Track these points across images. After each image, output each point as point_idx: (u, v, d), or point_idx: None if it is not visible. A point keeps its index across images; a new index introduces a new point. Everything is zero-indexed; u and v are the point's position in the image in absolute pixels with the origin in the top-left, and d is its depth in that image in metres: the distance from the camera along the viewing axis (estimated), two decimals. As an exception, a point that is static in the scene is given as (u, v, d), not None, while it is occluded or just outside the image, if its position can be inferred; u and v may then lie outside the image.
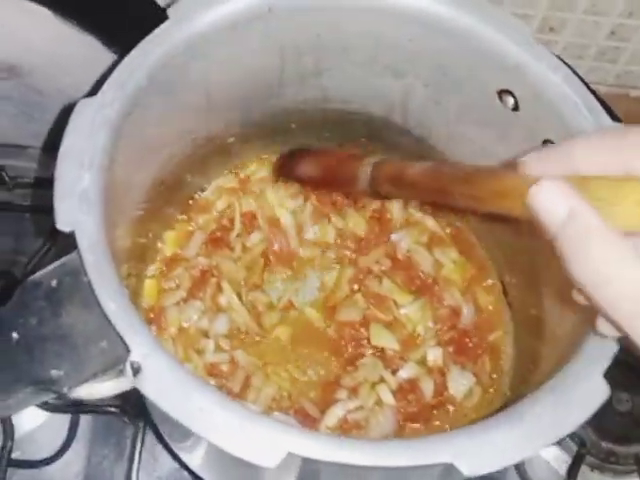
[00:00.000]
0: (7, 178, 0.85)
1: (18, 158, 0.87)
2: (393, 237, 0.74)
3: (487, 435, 0.43)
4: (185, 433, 0.54)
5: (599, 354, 0.47)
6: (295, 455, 0.42)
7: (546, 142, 0.57)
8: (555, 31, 0.79)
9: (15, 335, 0.46)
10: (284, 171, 0.70)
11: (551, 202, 0.37)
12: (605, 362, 0.47)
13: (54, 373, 0.45)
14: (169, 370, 0.44)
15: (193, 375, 0.44)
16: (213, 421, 0.42)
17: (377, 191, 0.58)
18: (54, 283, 0.47)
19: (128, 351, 0.44)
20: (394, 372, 0.68)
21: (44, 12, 0.69)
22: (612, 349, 0.47)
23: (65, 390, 0.45)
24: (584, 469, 0.76)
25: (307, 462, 0.43)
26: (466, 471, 0.42)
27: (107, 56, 0.71)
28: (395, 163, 0.57)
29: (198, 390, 0.43)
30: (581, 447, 0.76)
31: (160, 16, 0.65)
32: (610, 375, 0.47)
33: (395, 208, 0.75)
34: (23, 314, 0.46)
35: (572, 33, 0.80)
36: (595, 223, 0.36)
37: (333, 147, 0.72)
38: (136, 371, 0.43)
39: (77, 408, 0.74)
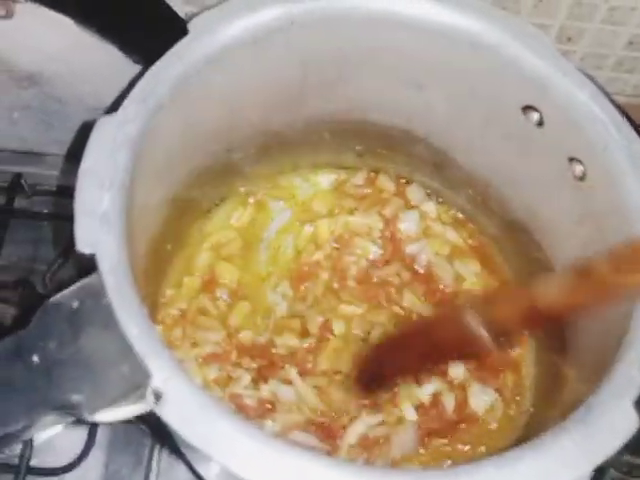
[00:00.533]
0: (26, 186, 0.85)
1: (37, 166, 0.87)
2: (412, 249, 0.73)
3: (512, 467, 0.43)
4: (204, 457, 0.54)
5: (628, 381, 0.46)
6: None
7: (572, 160, 0.56)
8: (573, 41, 0.78)
9: (35, 358, 0.45)
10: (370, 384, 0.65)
11: None
12: (635, 390, 0.46)
13: (74, 398, 0.44)
14: (191, 396, 0.43)
15: (215, 401, 0.44)
16: (235, 450, 0.42)
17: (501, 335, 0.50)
18: (75, 305, 0.46)
19: (149, 376, 0.43)
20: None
21: (64, 20, 0.69)
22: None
23: (85, 415, 0.45)
24: (607, 483, 0.75)
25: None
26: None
27: (127, 65, 0.71)
28: (509, 296, 0.51)
29: (220, 417, 0.43)
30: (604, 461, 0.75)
31: (180, 26, 0.65)
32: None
33: (410, 219, 0.74)
34: (43, 337, 0.46)
35: (590, 43, 0.79)
36: None
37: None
38: (157, 397, 0.43)
39: (95, 420, 0.74)
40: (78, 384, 0.45)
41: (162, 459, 0.74)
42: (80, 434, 0.74)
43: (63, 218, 0.84)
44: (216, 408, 0.43)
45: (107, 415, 0.45)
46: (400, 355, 0.59)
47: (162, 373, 0.43)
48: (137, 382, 0.44)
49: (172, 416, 0.43)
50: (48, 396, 0.45)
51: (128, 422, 0.74)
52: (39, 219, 0.85)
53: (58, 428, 0.75)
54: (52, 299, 0.47)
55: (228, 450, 0.42)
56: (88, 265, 0.46)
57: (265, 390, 0.65)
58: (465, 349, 0.51)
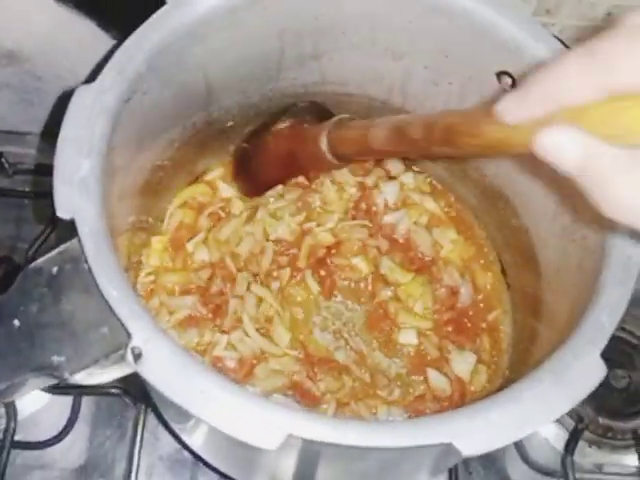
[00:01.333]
0: (7, 164, 0.85)
1: (18, 144, 0.87)
2: (390, 218, 0.74)
3: (485, 415, 0.44)
4: (186, 416, 0.54)
5: (596, 334, 0.47)
6: (295, 437, 0.43)
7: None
8: (551, 13, 0.79)
9: (16, 322, 0.46)
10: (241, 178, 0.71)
11: (561, 150, 0.37)
12: (602, 342, 0.47)
13: (55, 359, 0.45)
14: (170, 354, 0.44)
15: (194, 359, 0.45)
16: (214, 404, 0.43)
17: (340, 156, 0.58)
18: (55, 270, 0.47)
19: (129, 337, 0.44)
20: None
21: (42, -4, 0.69)
22: (609, 329, 0.47)
23: (66, 375, 0.45)
24: (582, 445, 0.77)
25: (307, 443, 0.43)
26: (465, 451, 0.43)
27: (106, 41, 0.71)
28: (353, 126, 0.57)
29: (199, 374, 0.44)
30: (579, 423, 0.77)
31: (158, 1, 0.65)
32: (607, 352, 0.47)
33: (389, 190, 0.75)
34: (24, 301, 0.47)
35: (568, 15, 0.80)
36: (609, 160, 0.36)
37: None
38: (137, 356, 0.44)
39: (79, 390, 0.75)
40: (59, 346, 0.46)
41: (146, 432, 0.75)
42: (64, 408, 0.75)
43: (44, 196, 0.84)
44: (194, 365, 0.44)
45: (88, 376, 0.46)
46: (265, 155, 0.67)
47: (142, 333, 0.44)
48: (117, 343, 0.45)
49: (152, 374, 0.44)
50: (30, 358, 0.46)
51: (112, 395, 0.75)
52: (20, 197, 0.86)
53: (42, 401, 0.75)
54: (32, 264, 0.48)
55: (206, 405, 0.43)
56: (68, 232, 0.47)
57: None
58: (313, 161, 0.61)
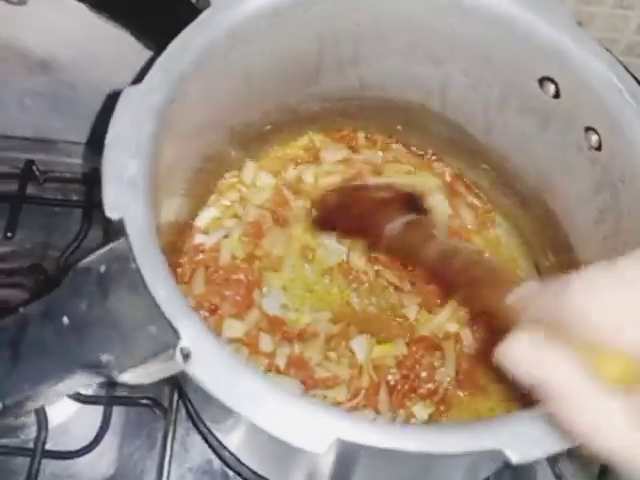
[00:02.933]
0: (37, 172, 0.85)
1: (48, 152, 0.87)
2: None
3: (536, 422, 0.43)
4: (228, 416, 0.54)
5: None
6: (343, 441, 0.42)
7: (589, 130, 0.57)
8: (584, 25, 0.79)
9: (65, 319, 0.46)
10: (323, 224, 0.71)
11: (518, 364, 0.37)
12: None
13: (104, 357, 0.45)
14: (219, 355, 0.44)
15: (242, 360, 0.45)
16: (262, 406, 0.43)
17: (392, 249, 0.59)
18: (103, 269, 0.47)
19: (177, 336, 0.44)
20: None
21: (77, 6, 0.70)
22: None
23: (114, 374, 0.45)
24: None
25: (354, 447, 0.43)
26: (515, 459, 0.42)
27: (139, 50, 0.72)
28: (419, 232, 0.57)
29: (247, 375, 0.43)
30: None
31: (192, 11, 0.66)
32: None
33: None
34: (73, 299, 0.47)
35: (601, 27, 0.80)
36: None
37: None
38: (186, 356, 0.43)
39: (110, 400, 0.74)
40: (107, 344, 0.45)
41: (175, 443, 0.75)
42: (94, 418, 0.74)
43: (75, 205, 0.85)
44: (243, 367, 0.44)
45: (136, 375, 0.46)
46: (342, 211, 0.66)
47: (190, 333, 0.44)
48: (165, 342, 0.45)
49: (201, 374, 0.43)
50: (78, 355, 0.45)
51: (142, 405, 0.75)
52: (51, 205, 0.85)
53: (72, 410, 0.75)
54: (80, 263, 0.48)
55: (253, 406, 0.43)
56: (116, 230, 0.47)
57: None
58: (371, 234, 0.60)
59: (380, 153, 0.76)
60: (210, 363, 0.43)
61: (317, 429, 0.42)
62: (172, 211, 0.60)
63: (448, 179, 0.76)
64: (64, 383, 0.45)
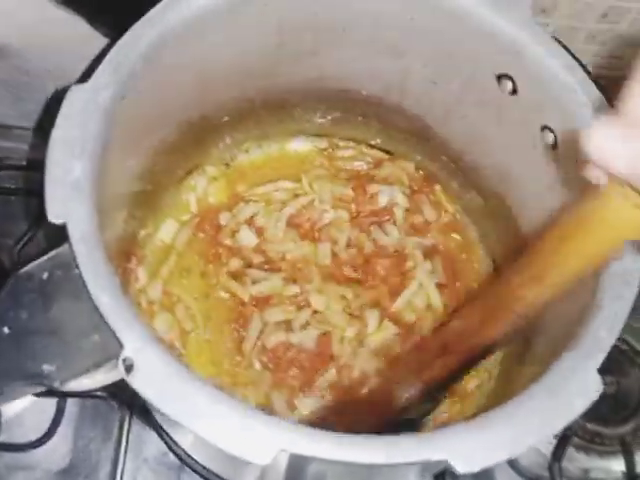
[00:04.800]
0: (-8, 159, 0.83)
1: (5, 139, 0.85)
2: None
3: (482, 432, 0.43)
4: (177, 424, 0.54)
5: (594, 349, 0.47)
6: (287, 452, 0.42)
7: (544, 128, 0.57)
8: (547, 12, 0.78)
9: (6, 329, 0.45)
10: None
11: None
12: (600, 357, 0.47)
13: (45, 368, 0.44)
14: (162, 366, 0.43)
15: (187, 370, 0.44)
16: (206, 418, 0.42)
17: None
18: (45, 276, 0.46)
19: (121, 346, 0.43)
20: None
21: (32, -8, 0.68)
22: (607, 344, 0.47)
23: (56, 384, 0.45)
24: (570, 450, 0.76)
25: (298, 457, 0.43)
26: (461, 469, 0.42)
27: (96, 37, 0.70)
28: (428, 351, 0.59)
29: (191, 386, 0.43)
30: (567, 429, 0.76)
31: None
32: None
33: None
34: (14, 308, 0.46)
35: (564, 15, 0.79)
36: None
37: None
38: (129, 368, 0.43)
39: (64, 392, 0.73)
40: (49, 354, 0.45)
41: (131, 434, 0.75)
42: (48, 410, 0.73)
43: (32, 193, 0.83)
44: (187, 377, 0.43)
45: (78, 384, 0.45)
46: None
47: (134, 343, 0.43)
48: (109, 352, 0.44)
49: (143, 386, 0.43)
50: (20, 366, 0.45)
51: (97, 397, 0.74)
52: (7, 193, 0.84)
53: (26, 402, 0.74)
54: (22, 270, 0.46)
55: (197, 418, 0.42)
56: (59, 236, 0.46)
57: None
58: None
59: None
60: (154, 374, 0.43)
61: (261, 440, 0.42)
62: (122, 213, 0.59)
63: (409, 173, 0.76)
64: (4, 393, 0.44)
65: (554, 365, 0.47)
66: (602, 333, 0.47)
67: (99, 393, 0.73)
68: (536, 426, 0.44)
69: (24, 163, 0.85)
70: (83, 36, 0.70)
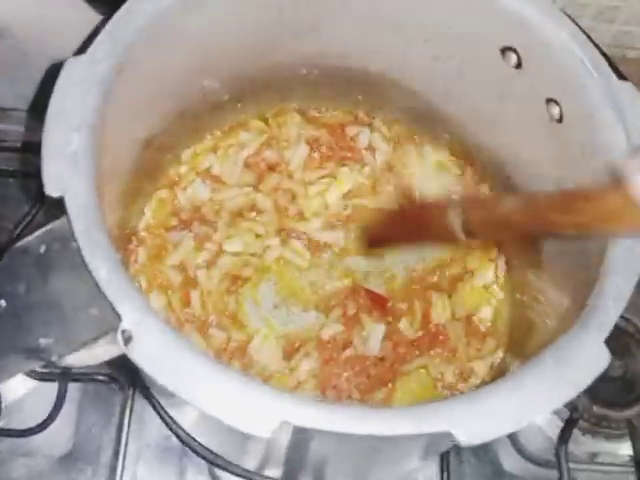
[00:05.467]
0: (-10, 142, 0.83)
1: (2, 121, 0.85)
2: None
3: (485, 403, 0.43)
4: (178, 399, 0.53)
5: (601, 320, 0.46)
6: (289, 423, 0.41)
7: (549, 101, 0.56)
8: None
9: (3, 303, 0.45)
10: (372, 241, 0.70)
11: None
12: (607, 328, 0.46)
13: (43, 341, 0.44)
14: (161, 337, 0.43)
15: (186, 341, 0.43)
16: (206, 390, 0.42)
17: (471, 235, 0.56)
18: (42, 249, 0.45)
19: (119, 319, 0.42)
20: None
21: (30, -27, 0.68)
22: (614, 315, 0.46)
23: (54, 358, 0.44)
24: (576, 433, 0.76)
25: (300, 430, 0.42)
26: (464, 440, 0.42)
27: (94, 18, 0.69)
28: (485, 204, 0.57)
29: (191, 357, 0.42)
30: (573, 412, 0.76)
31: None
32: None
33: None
34: (10, 281, 0.45)
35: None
36: None
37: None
38: (127, 339, 0.42)
39: (65, 376, 0.73)
40: (47, 328, 0.44)
41: (133, 418, 0.74)
42: (49, 395, 0.73)
43: (30, 175, 0.83)
44: (186, 348, 0.43)
45: (77, 358, 0.45)
46: (394, 226, 0.66)
47: (132, 315, 0.43)
48: (107, 325, 0.43)
49: (142, 357, 0.42)
50: (17, 339, 0.44)
51: (98, 381, 0.74)
52: (5, 176, 0.83)
53: (27, 387, 0.74)
54: (18, 244, 0.46)
55: (197, 390, 0.42)
56: (57, 211, 0.45)
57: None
58: (442, 234, 0.58)
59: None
60: (152, 346, 0.42)
61: (262, 413, 0.41)
62: (119, 188, 0.58)
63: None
64: (3, 368, 0.44)
65: (560, 337, 0.46)
66: (608, 304, 0.46)
67: (100, 377, 0.73)
68: (543, 397, 0.43)
69: (20, 145, 0.84)
70: (83, 18, 0.69)
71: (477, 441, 0.42)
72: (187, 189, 0.71)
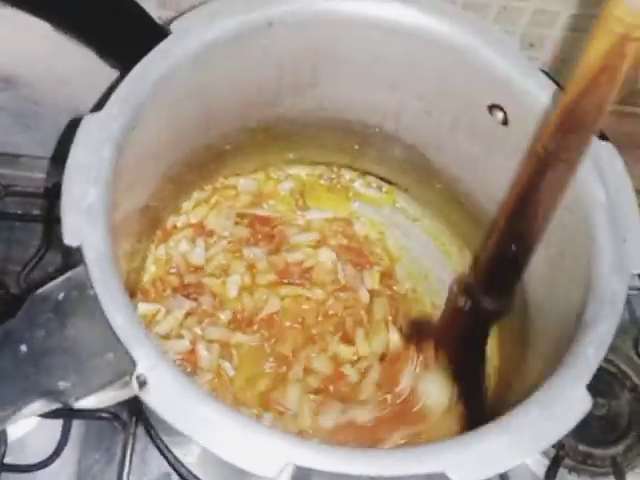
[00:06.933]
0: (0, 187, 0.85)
1: (11, 167, 0.88)
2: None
3: (477, 445, 0.45)
4: (183, 439, 0.55)
5: (582, 368, 0.49)
6: (293, 464, 0.44)
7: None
8: (535, 47, 0.81)
9: (23, 348, 0.47)
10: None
11: None
12: (588, 376, 0.49)
13: (61, 384, 0.46)
14: (174, 382, 0.45)
15: (197, 387, 0.46)
16: (216, 432, 0.44)
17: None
18: (61, 296, 0.48)
19: (134, 364, 0.45)
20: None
21: (42, 24, 0.70)
22: (595, 363, 0.49)
23: (72, 401, 0.46)
24: (562, 471, 0.78)
25: (303, 470, 0.44)
26: (458, 480, 0.44)
27: (104, 69, 0.72)
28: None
29: (202, 402, 0.45)
30: (559, 450, 0.78)
31: (155, 30, 0.67)
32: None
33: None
34: (30, 327, 0.47)
35: (552, 50, 0.82)
36: None
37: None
38: (142, 384, 0.44)
39: (69, 413, 0.75)
40: (65, 372, 0.46)
41: (135, 456, 0.75)
42: (53, 432, 0.75)
43: (36, 219, 0.86)
44: (198, 393, 0.45)
45: (93, 401, 0.47)
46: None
47: (146, 361, 0.45)
48: (122, 370, 0.46)
49: (156, 402, 0.44)
50: (36, 383, 0.46)
51: (102, 419, 0.75)
52: (12, 219, 0.86)
53: (32, 424, 0.76)
54: (39, 291, 0.48)
55: (210, 433, 0.44)
56: (74, 258, 0.48)
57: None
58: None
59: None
60: (165, 390, 0.45)
61: (268, 453, 0.44)
62: (131, 235, 0.61)
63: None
64: (22, 411, 0.46)
65: (544, 384, 0.49)
66: (589, 352, 0.49)
67: (104, 414, 0.75)
68: (530, 440, 0.46)
69: (30, 190, 0.87)
70: (93, 68, 0.72)
71: (469, 481, 0.45)
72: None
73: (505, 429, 0.46)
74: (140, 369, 0.45)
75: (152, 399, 0.44)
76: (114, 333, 0.46)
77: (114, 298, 0.47)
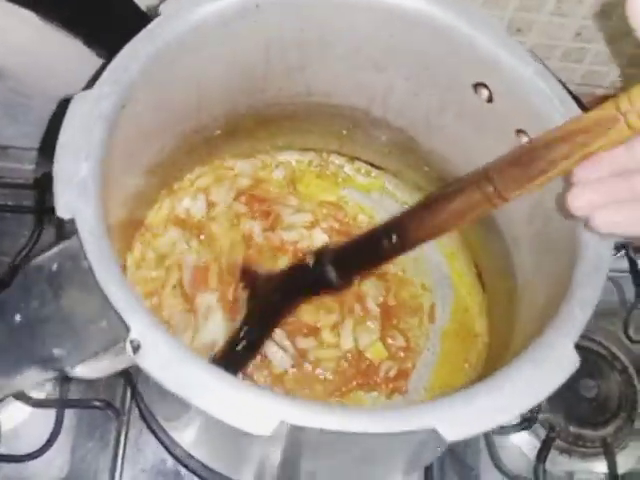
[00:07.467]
0: (-11, 178, 0.86)
1: (0, 159, 0.88)
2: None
3: (468, 402, 0.46)
4: (180, 410, 0.56)
5: (570, 326, 0.50)
6: (286, 423, 0.44)
7: (519, 132, 0.61)
8: (522, 32, 0.82)
9: (18, 317, 0.48)
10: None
11: None
12: (576, 334, 0.50)
13: (56, 352, 0.47)
14: (167, 346, 0.46)
15: (190, 350, 0.47)
16: (210, 393, 0.45)
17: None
18: (55, 267, 0.48)
19: (127, 330, 0.46)
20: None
21: (27, 14, 0.70)
22: (582, 322, 0.50)
23: (67, 368, 0.47)
24: (553, 453, 0.79)
25: (296, 429, 0.45)
26: (449, 436, 0.45)
27: (91, 58, 0.73)
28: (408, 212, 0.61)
29: (195, 364, 0.45)
30: (550, 432, 0.79)
31: (142, 18, 0.68)
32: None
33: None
34: (25, 297, 0.48)
35: (538, 34, 0.83)
36: None
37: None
38: (136, 348, 0.45)
39: (62, 402, 0.75)
40: (60, 339, 0.47)
41: (128, 444, 0.76)
42: (46, 421, 0.75)
43: (26, 211, 0.86)
44: (189, 356, 0.46)
45: (89, 369, 0.47)
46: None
47: (139, 326, 0.46)
48: (116, 336, 0.46)
49: (150, 365, 0.45)
50: (31, 351, 0.47)
51: (94, 408, 0.76)
52: (2, 211, 0.86)
53: (25, 414, 0.76)
54: (33, 262, 0.49)
55: (201, 393, 0.45)
56: (67, 230, 0.49)
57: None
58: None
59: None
60: (159, 354, 0.45)
61: (262, 413, 0.44)
62: (122, 211, 0.62)
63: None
64: (17, 378, 0.47)
65: (534, 342, 0.50)
66: (576, 311, 0.50)
67: (97, 403, 0.75)
68: (521, 395, 0.47)
69: (19, 181, 0.87)
70: (81, 58, 0.73)
71: (460, 437, 0.45)
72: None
73: (496, 386, 0.47)
74: (133, 334, 0.45)
75: (146, 363, 0.45)
76: (108, 301, 0.46)
77: (107, 268, 0.47)
